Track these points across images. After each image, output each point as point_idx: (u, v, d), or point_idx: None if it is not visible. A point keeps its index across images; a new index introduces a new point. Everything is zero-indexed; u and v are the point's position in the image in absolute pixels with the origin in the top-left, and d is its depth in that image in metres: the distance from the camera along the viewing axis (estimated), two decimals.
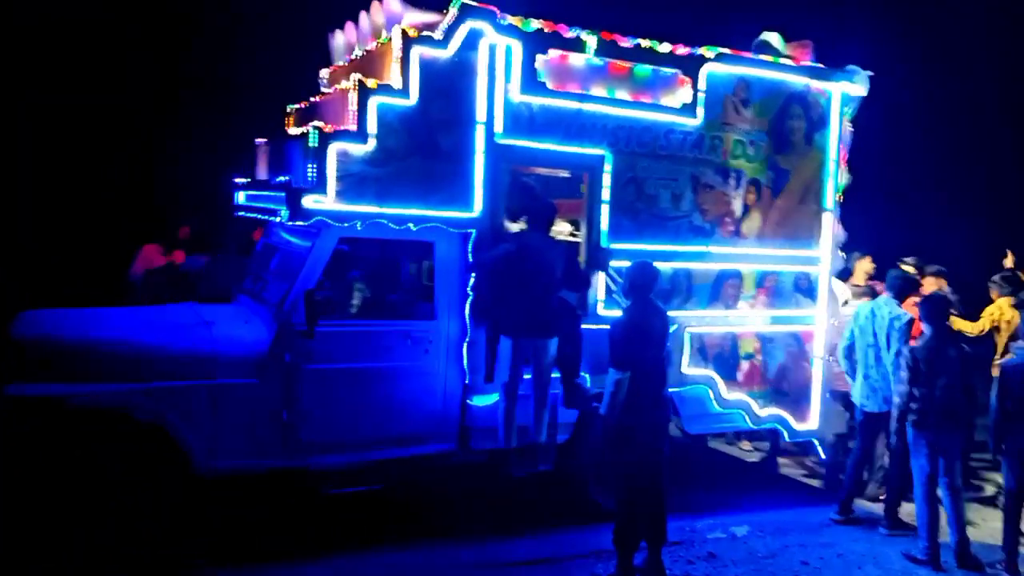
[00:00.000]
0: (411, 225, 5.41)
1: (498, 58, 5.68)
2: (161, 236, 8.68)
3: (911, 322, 6.38)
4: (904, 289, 6.58)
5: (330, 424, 5.30)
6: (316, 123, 5.14)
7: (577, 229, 7.30)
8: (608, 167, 6.13)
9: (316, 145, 5.07)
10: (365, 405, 5.41)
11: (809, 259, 7.16)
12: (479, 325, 5.70)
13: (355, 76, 5.25)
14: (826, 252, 7.21)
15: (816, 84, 7.05)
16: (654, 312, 5.22)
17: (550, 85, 5.86)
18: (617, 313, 5.80)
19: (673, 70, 6.35)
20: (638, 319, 5.11)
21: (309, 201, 5.08)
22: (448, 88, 5.52)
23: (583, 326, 5.94)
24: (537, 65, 5.80)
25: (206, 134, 11.25)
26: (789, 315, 7.07)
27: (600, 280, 6.18)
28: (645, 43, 6.22)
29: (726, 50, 6.57)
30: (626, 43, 6.15)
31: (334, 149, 5.13)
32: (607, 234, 6.16)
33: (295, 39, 10.01)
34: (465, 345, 5.73)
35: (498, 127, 5.71)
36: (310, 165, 5.10)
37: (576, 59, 5.98)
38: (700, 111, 6.46)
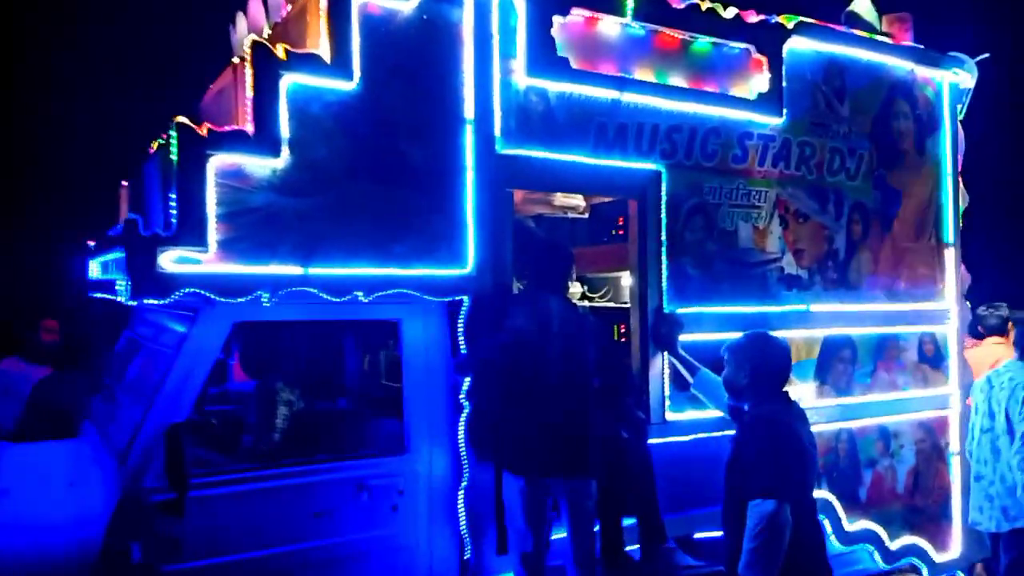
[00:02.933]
0: (360, 294, 3.15)
1: (493, 19, 3.55)
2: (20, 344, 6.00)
3: None
4: None
5: None
6: (182, 119, 2.89)
7: (594, 291, 5.12)
8: (664, 189, 3.99)
9: (180, 160, 2.82)
10: None
11: (935, 315, 5.06)
12: (482, 458, 3.41)
13: (252, 38, 3.05)
14: (953, 303, 5.13)
15: (923, 72, 5.06)
16: (796, 413, 3.07)
17: (574, 63, 3.74)
18: (696, 415, 3.65)
19: (743, 45, 4.29)
20: (782, 421, 2.94)
21: (169, 260, 2.80)
22: (413, 65, 3.35)
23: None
24: (553, 32, 3.68)
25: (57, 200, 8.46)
26: (918, 396, 4.92)
27: (657, 367, 3.96)
28: (704, 3, 4.16)
29: (810, 20, 4.55)
30: (678, 3, 4.09)
31: (215, 167, 2.89)
32: (668, 292, 3.97)
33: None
34: (461, 493, 3.43)
35: (497, 128, 3.54)
36: (171, 197, 2.84)
37: (609, 25, 3.87)
38: (784, 107, 4.39)
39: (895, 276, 4.88)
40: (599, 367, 3.47)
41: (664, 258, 3.95)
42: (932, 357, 5.02)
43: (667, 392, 3.95)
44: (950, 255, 5.14)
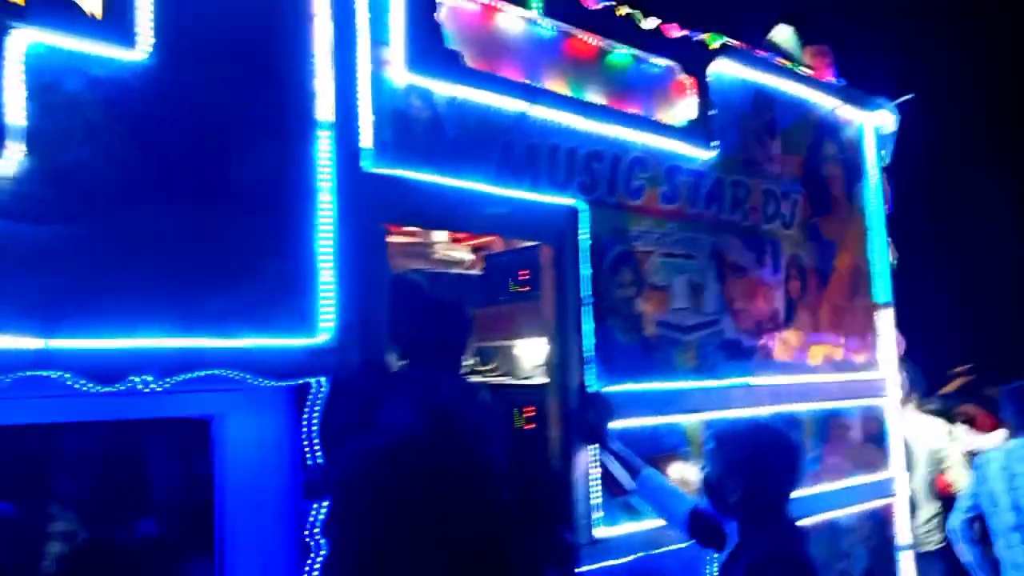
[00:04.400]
0: (145, 380, 1.98)
1: None
2: None
3: None
4: None
5: None
6: None
7: (484, 364, 4.12)
8: (585, 232, 3.07)
9: None
10: None
11: (875, 386, 4.39)
12: None
13: None
14: (891, 372, 4.50)
15: (846, 112, 4.51)
16: (806, 542, 2.17)
17: (469, 61, 2.79)
18: (635, 529, 2.71)
19: (667, 62, 3.52)
20: (807, 567, 2.04)
21: None
22: (241, 36, 2.29)
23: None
24: (441, 17, 2.73)
25: None
26: (866, 483, 4.19)
27: (582, 467, 2.97)
28: (621, 9, 3.37)
29: (735, 43, 3.88)
30: (593, 3, 3.26)
31: None
32: (595, 365, 3.02)
33: None
34: None
35: (366, 138, 2.51)
36: None
37: (512, 20, 2.98)
38: (714, 138, 3.63)
39: (835, 341, 4.18)
40: (516, 475, 2.43)
41: (588, 320, 3.01)
42: (875, 435, 4.33)
43: (596, 501, 2.95)
44: (885, 317, 4.53)
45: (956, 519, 4.05)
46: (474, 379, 3.79)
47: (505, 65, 2.93)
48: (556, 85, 3.07)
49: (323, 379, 2.29)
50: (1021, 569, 3.77)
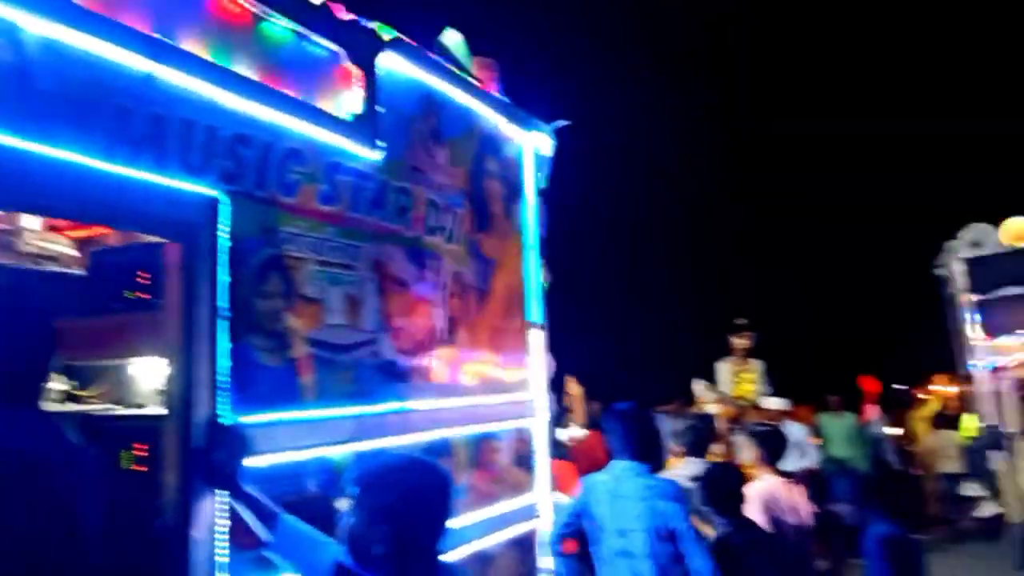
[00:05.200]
0: None
1: None
2: None
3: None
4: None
5: None
6: None
7: (84, 387, 3.41)
8: (225, 229, 2.58)
9: None
10: None
11: (526, 407, 4.46)
12: None
13: None
14: (541, 393, 4.61)
15: (509, 130, 4.57)
16: None
17: None
18: None
19: (332, 46, 3.18)
20: None
21: None
22: None
23: None
24: None
25: None
26: (513, 509, 4.19)
27: (207, 516, 2.47)
28: None
29: (407, 39, 3.67)
30: None
31: None
32: (231, 391, 2.53)
33: None
34: None
35: None
36: None
37: None
38: (381, 139, 3.37)
39: (491, 362, 4.15)
40: (114, 533, 1.88)
41: (224, 337, 2.52)
42: (524, 457, 4.39)
43: (223, 559, 2.46)
44: (536, 338, 4.64)
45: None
46: (70, 407, 3.06)
47: (129, 11, 2.35)
48: (196, 47, 2.56)
49: None
50: None
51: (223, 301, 2.52)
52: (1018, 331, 8.14)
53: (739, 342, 7.82)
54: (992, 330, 8.35)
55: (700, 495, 3.94)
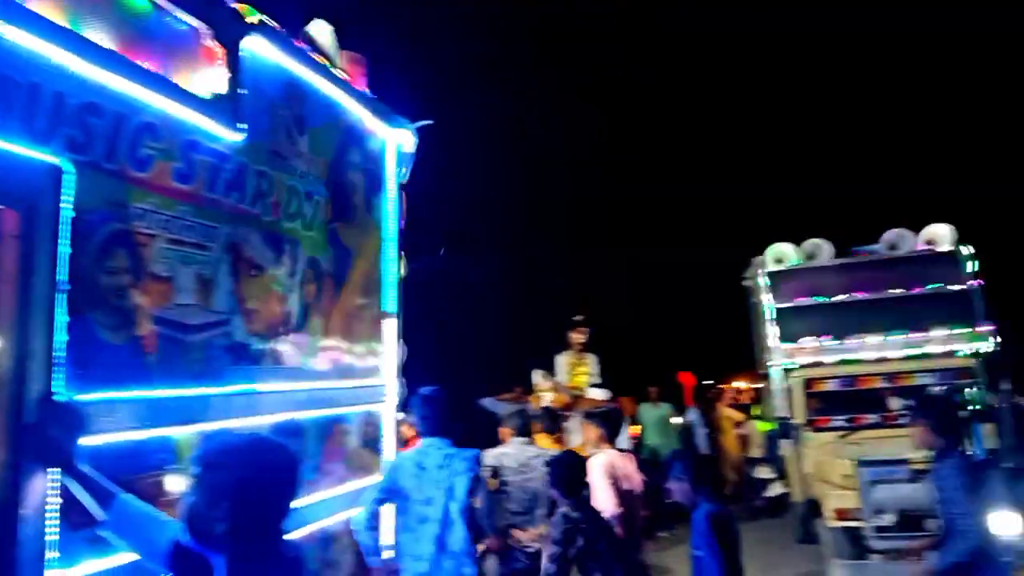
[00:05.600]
0: None
1: None
2: None
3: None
4: None
5: None
6: None
7: None
8: (68, 199, 2.35)
9: None
10: None
11: (376, 392, 4.37)
12: None
13: None
14: (392, 379, 4.54)
15: (373, 125, 4.46)
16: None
17: None
18: (104, 566, 2.20)
19: (194, 21, 2.98)
20: None
21: None
22: None
23: None
24: None
25: None
26: (357, 488, 4.09)
27: (38, 495, 2.24)
28: None
29: (274, 24, 3.49)
30: None
31: None
32: (67, 368, 2.30)
33: None
34: None
35: None
36: None
37: None
38: (243, 121, 3.19)
39: (344, 348, 4.04)
40: None
41: (62, 311, 2.29)
42: (372, 440, 4.30)
43: (52, 537, 2.24)
44: (391, 326, 4.56)
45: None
46: None
47: None
48: (45, 9, 2.31)
49: None
50: (420, 559, 3.80)
51: (62, 274, 2.29)
52: (808, 337, 8.83)
53: (576, 337, 8.05)
54: (787, 335, 9.02)
55: (548, 478, 4.16)
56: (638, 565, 4.72)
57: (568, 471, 4.18)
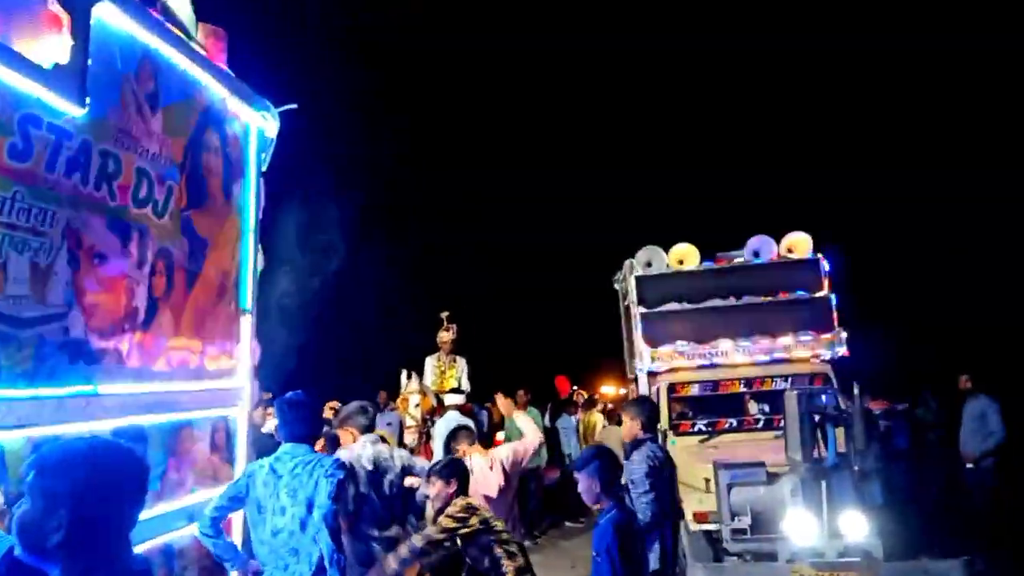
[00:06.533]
0: None
1: None
2: None
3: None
4: None
5: None
6: None
7: None
8: None
9: None
10: None
11: (230, 395, 4.24)
12: None
13: None
14: (246, 381, 4.42)
15: (234, 106, 4.33)
16: None
17: None
18: None
19: None
20: None
21: None
22: None
23: None
24: None
25: None
26: (207, 499, 3.96)
27: None
28: None
29: None
30: None
31: None
32: None
33: None
34: None
35: None
36: None
37: None
38: (87, 95, 3.02)
39: (196, 347, 3.89)
40: None
41: None
42: (224, 446, 4.17)
43: None
44: (246, 324, 4.44)
45: (207, 516, 3.66)
46: None
47: None
48: None
49: None
50: (284, 569, 3.60)
51: None
52: (673, 341, 9.25)
53: (444, 335, 8.11)
54: (653, 339, 9.41)
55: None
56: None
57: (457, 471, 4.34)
